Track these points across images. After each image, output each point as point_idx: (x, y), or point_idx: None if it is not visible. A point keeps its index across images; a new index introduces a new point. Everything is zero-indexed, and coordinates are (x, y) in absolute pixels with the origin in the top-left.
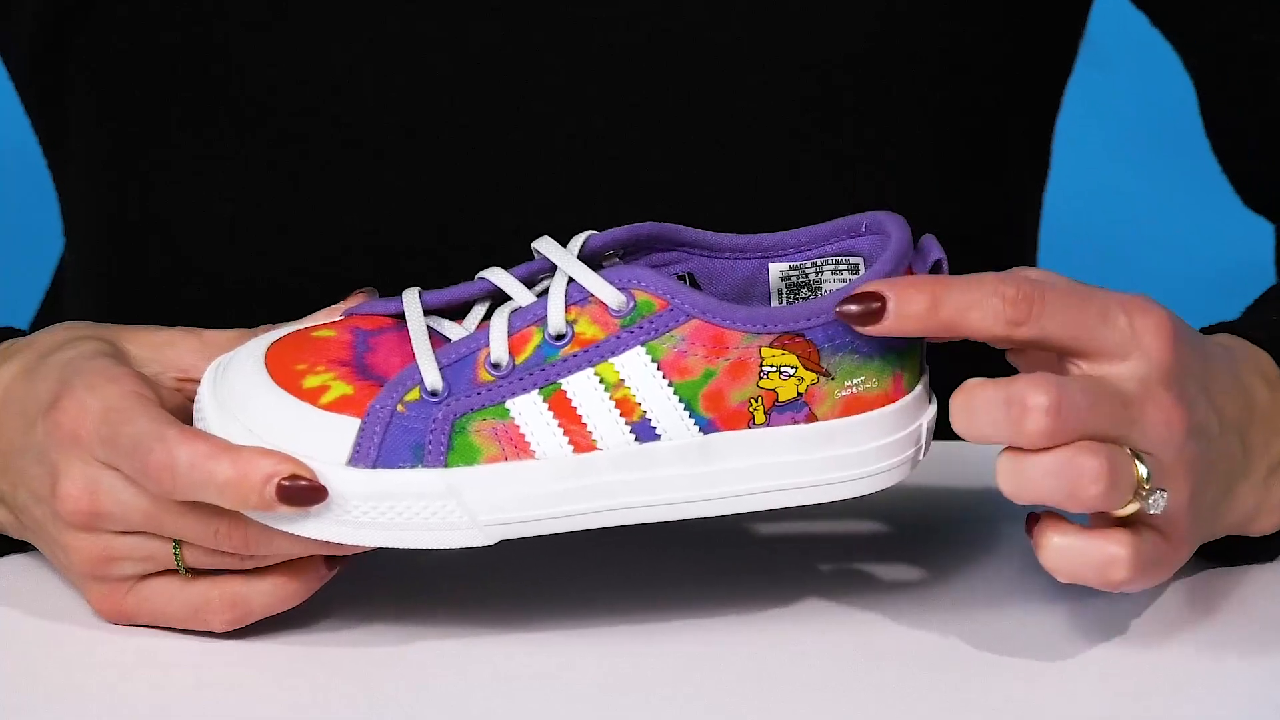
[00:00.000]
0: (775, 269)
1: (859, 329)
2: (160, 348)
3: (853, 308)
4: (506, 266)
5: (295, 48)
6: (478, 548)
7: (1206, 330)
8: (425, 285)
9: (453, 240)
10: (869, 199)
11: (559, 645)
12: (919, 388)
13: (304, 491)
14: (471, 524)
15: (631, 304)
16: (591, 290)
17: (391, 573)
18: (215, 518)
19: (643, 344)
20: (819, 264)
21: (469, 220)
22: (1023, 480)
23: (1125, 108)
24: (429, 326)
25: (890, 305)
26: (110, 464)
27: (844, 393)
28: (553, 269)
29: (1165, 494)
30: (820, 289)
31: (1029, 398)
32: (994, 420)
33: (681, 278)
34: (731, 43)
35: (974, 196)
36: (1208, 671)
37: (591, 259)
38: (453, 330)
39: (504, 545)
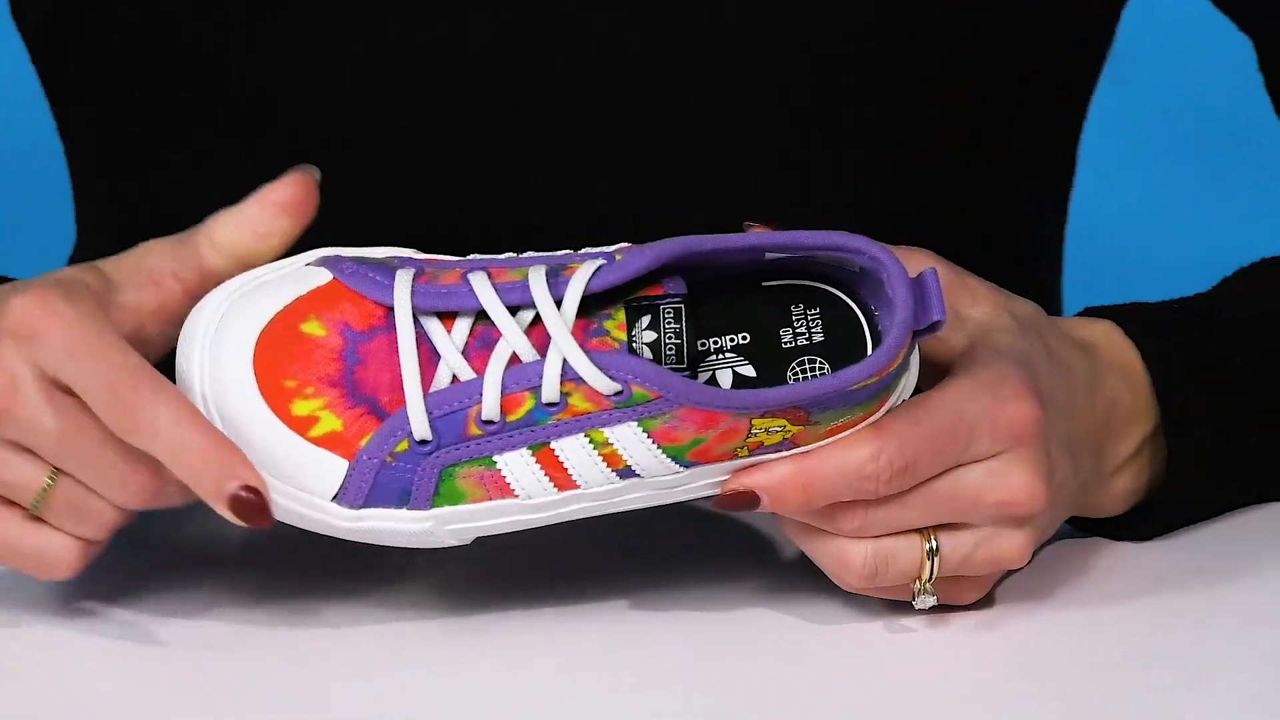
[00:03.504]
0: (770, 255)
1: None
2: (141, 259)
3: (728, 504)
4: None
5: (295, 46)
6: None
7: (1098, 311)
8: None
9: (454, 238)
10: (869, 195)
11: (550, 645)
12: (901, 386)
13: (252, 507)
14: (455, 541)
15: (626, 395)
16: (585, 378)
17: (383, 574)
18: (131, 464)
19: (636, 420)
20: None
21: (469, 219)
22: (803, 543)
23: (1143, 112)
24: (418, 328)
25: (764, 501)
26: (59, 375)
27: (828, 428)
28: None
29: (933, 598)
30: (816, 257)
31: (848, 553)
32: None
33: (678, 311)
34: (731, 35)
35: (973, 194)
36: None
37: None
38: (441, 339)
39: (494, 547)
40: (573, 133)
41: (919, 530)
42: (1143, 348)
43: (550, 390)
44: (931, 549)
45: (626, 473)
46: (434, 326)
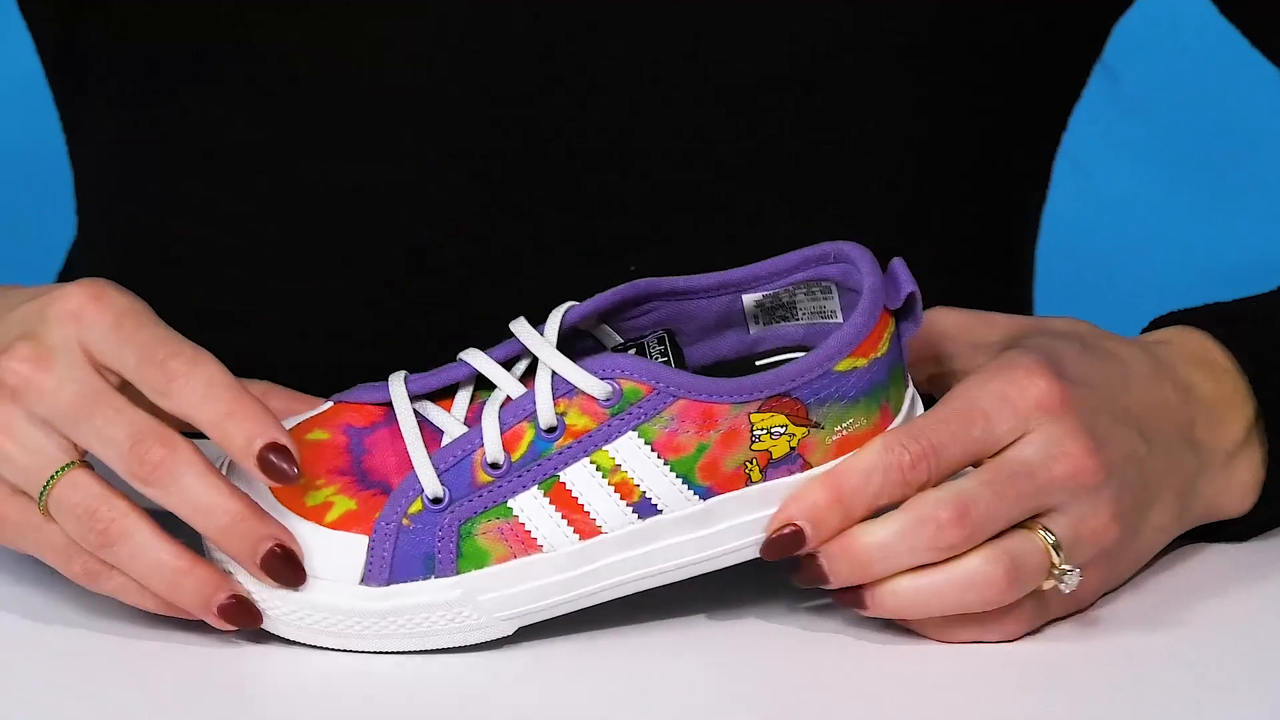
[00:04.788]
0: (749, 299)
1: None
2: None
3: (775, 547)
4: (517, 267)
5: (322, 38)
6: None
7: (1154, 324)
8: (432, 271)
9: (460, 229)
10: (871, 192)
11: (553, 656)
12: (905, 405)
13: (278, 471)
14: (486, 624)
15: (618, 393)
16: (576, 384)
17: None
18: (145, 431)
19: (634, 429)
20: (791, 289)
21: (473, 217)
22: (932, 599)
23: (1132, 113)
24: (417, 414)
25: (808, 531)
26: (102, 352)
27: (835, 437)
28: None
29: (1078, 573)
30: (795, 309)
31: (939, 512)
32: (912, 546)
33: (661, 338)
34: (717, 47)
35: (967, 203)
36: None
37: (570, 327)
38: (441, 418)
39: None
40: (575, 135)
41: (1023, 526)
42: (1217, 334)
43: (545, 412)
44: (1045, 536)
45: (645, 507)
46: (432, 410)
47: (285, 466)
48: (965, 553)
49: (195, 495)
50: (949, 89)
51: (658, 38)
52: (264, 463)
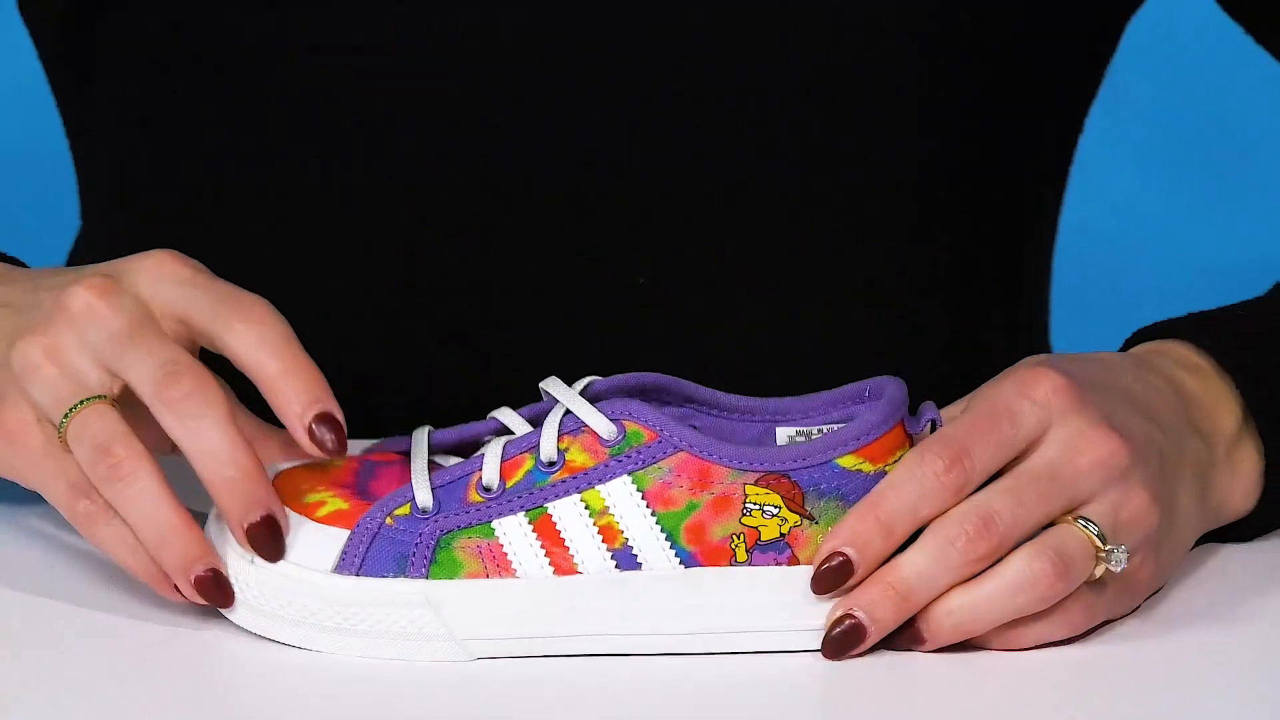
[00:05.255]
0: (783, 432)
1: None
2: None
3: (824, 580)
4: (517, 269)
5: (323, 39)
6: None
7: (1129, 341)
8: (432, 271)
9: (460, 230)
10: (871, 194)
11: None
12: None
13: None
14: (448, 636)
15: (621, 434)
16: (584, 419)
17: None
18: (182, 364)
19: (629, 473)
20: (825, 431)
21: (473, 218)
22: (987, 610)
23: (1135, 113)
24: (434, 460)
25: (854, 558)
26: (172, 300)
27: (824, 534)
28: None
29: (1125, 549)
30: None
31: (964, 526)
32: (947, 566)
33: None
34: (738, 36)
35: (968, 204)
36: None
37: (599, 399)
38: (453, 464)
39: None
40: (582, 136)
41: (1060, 522)
42: (1199, 342)
43: (548, 445)
44: (1084, 524)
45: (625, 556)
46: (450, 460)
47: (331, 439)
48: (1007, 558)
49: (212, 438)
50: (950, 90)
51: (657, 40)
52: (311, 432)
